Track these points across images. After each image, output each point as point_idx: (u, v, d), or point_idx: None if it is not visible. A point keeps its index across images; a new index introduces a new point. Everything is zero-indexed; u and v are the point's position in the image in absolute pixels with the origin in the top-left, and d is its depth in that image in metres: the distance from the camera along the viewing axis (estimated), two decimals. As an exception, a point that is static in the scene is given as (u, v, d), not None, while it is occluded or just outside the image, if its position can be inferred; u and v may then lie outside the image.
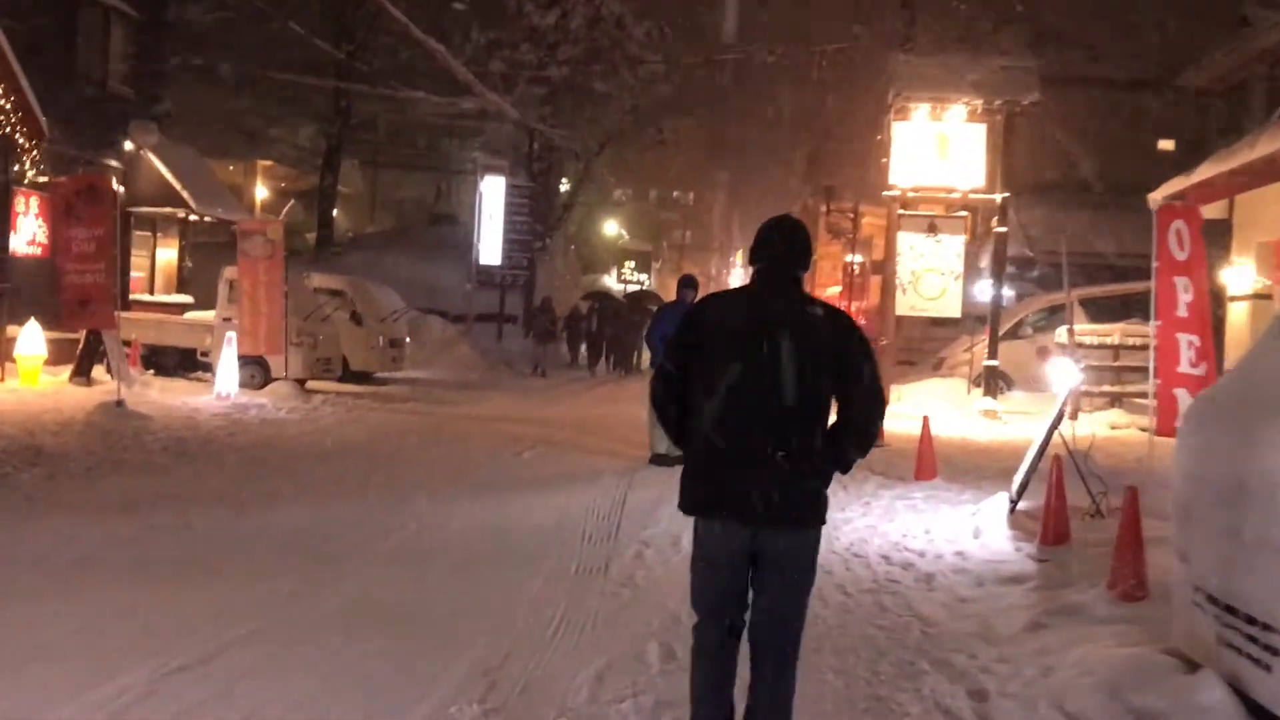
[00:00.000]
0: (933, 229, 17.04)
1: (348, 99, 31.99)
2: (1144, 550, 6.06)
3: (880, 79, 23.09)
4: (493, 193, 26.28)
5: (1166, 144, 29.25)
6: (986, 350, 18.25)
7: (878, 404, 3.63)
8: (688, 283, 11.25)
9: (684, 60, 30.33)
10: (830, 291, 53.68)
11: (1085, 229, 26.15)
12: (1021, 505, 8.41)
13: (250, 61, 30.38)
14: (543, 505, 8.47)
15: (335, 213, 46.57)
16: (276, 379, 15.69)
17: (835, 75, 28.55)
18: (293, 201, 41.22)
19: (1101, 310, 19.48)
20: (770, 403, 3.43)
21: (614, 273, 48.72)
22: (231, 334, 14.72)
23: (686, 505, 3.63)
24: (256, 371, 16.07)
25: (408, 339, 20.14)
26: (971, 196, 17.06)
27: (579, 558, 6.84)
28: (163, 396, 14.13)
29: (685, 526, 7.94)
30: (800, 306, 3.53)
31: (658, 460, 10.95)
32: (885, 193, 17.25)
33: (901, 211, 17.15)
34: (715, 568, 3.56)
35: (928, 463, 10.64)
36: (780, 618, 3.57)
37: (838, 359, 3.50)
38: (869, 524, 8.52)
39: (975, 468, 11.75)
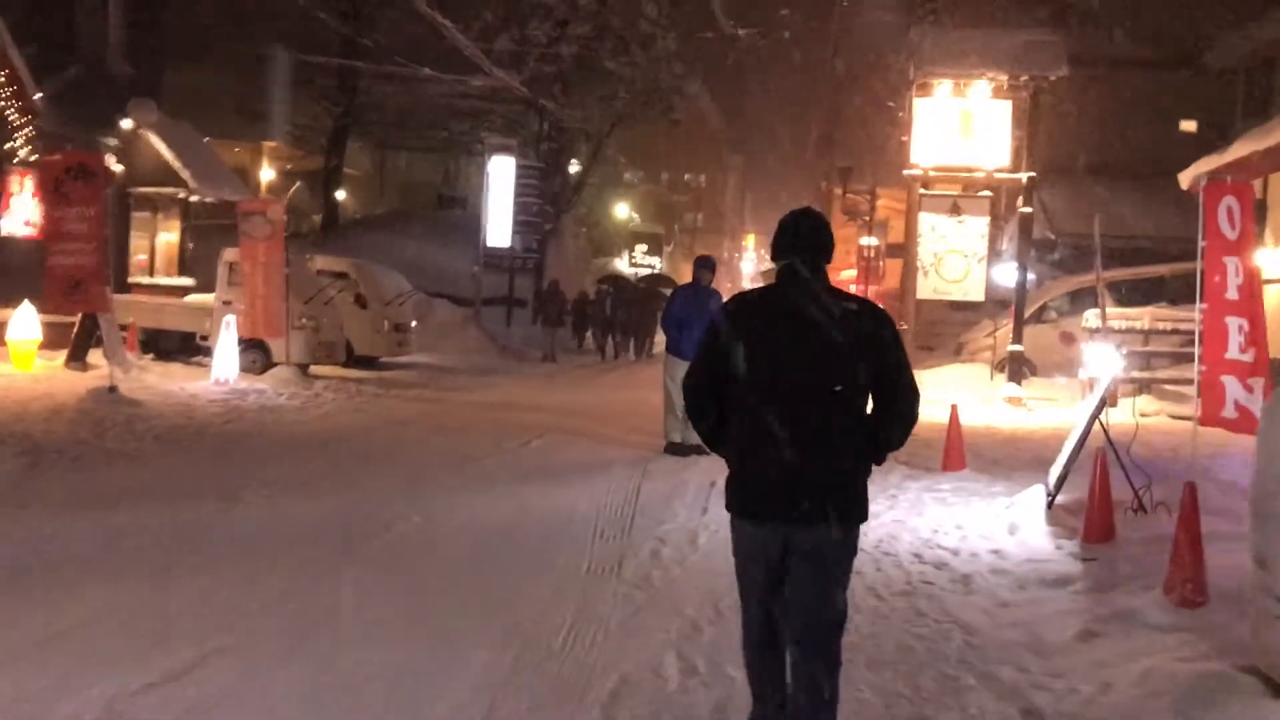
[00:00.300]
0: (955, 210, 16.52)
1: (353, 78, 31.50)
2: (1202, 551, 5.57)
3: (899, 55, 22.53)
4: (501, 173, 25.74)
5: (1188, 125, 28.65)
6: (1010, 335, 17.75)
7: (913, 397, 3.54)
8: (704, 264, 10.75)
9: (696, 37, 29.69)
10: (844, 275, 53.20)
11: (1106, 210, 25.55)
12: (1059, 499, 7.91)
13: (253, 39, 29.89)
14: (552, 498, 8.00)
15: (343, 195, 46.22)
16: (278, 364, 15.24)
17: (851, 53, 27.97)
18: (298, 183, 40.59)
19: (1127, 294, 18.94)
20: (809, 401, 3.40)
21: (625, 256, 48.18)
22: (230, 318, 14.28)
23: (728, 503, 3.59)
24: (257, 356, 15.62)
25: (414, 323, 19.66)
26: (996, 176, 16.51)
27: (590, 556, 6.38)
28: (160, 382, 13.70)
29: (702, 523, 7.60)
30: (832, 302, 3.48)
31: (672, 449, 10.48)
32: (906, 172, 16.74)
33: (923, 191, 16.63)
34: (754, 568, 3.55)
35: (956, 453, 10.14)
36: (819, 614, 3.49)
37: (872, 354, 3.45)
38: (896, 518, 8.04)
39: (1004, 458, 11.25)
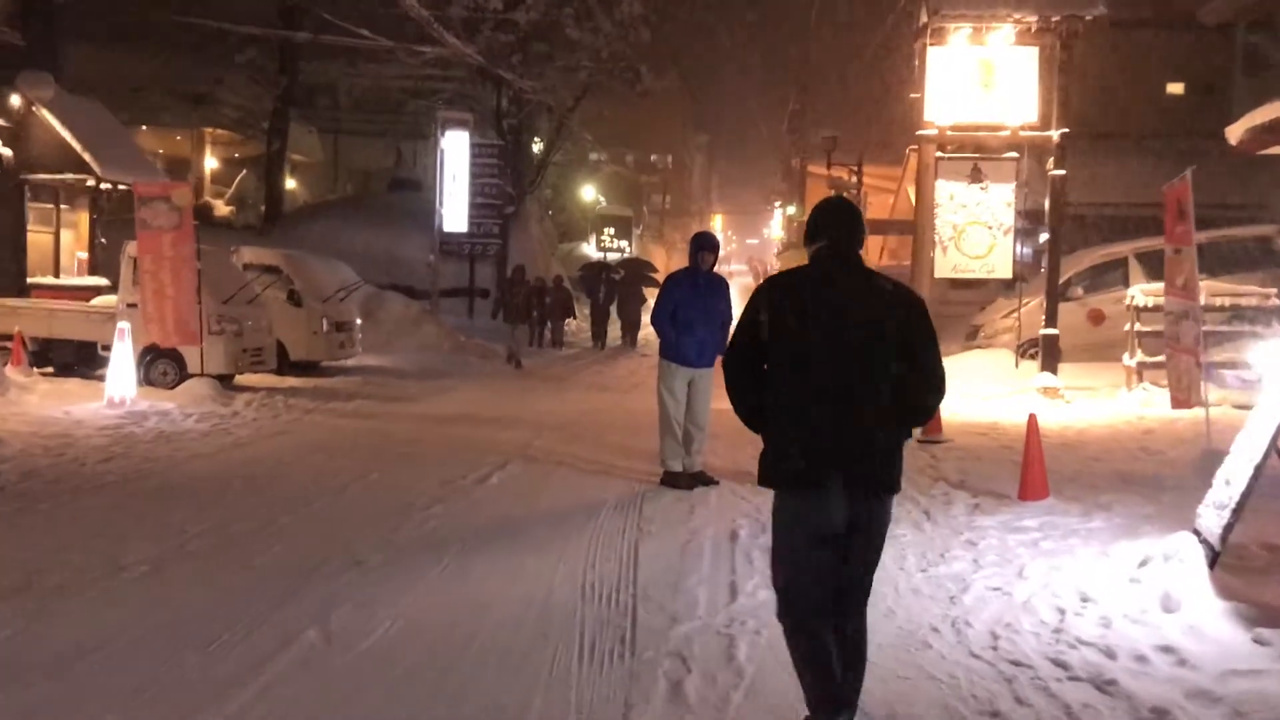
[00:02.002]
0: (977, 175, 14.34)
1: (293, 55, 28.91)
2: None
3: (891, 10, 20.32)
4: (455, 150, 23.30)
5: (1175, 87, 26.82)
6: (1036, 316, 15.65)
7: (942, 371, 3.65)
8: (705, 243, 8.49)
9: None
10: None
11: (1114, 176, 23.56)
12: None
13: (186, 14, 27.20)
14: (519, 577, 5.72)
15: (293, 184, 43.57)
16: (194, 375, 12.86)
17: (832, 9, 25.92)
18: (244, 171, 38.08)
19: (1160, 267, 16.88)
20: (855, 374, 3.50)
21: (593, 240, 45.78)
22: (125, 324, 11.86)
23: (777, 480, 3.60)
24: (169, 367, 13.23)
25: (359, 320, 17.29)
26: (1022, 134, 14.31)
27: (574, 700, 4.11)
28: (40, 405, 11.30)
29: (736, 618, 4.85)
30: (870, 281, 3.64)
31: (671, 480, 8.25)
32: (919, 132, 14.51)
33: (940, 155, 14.42)
34: (811, 542, 3.54)
35: (1037, 477, 7.94)
36: (862, 582, 3.66)
37: (903, 331, 3.56)
38: (991, 584, 5.84)
39: (1076, 473, 9.11)
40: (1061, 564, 6.22)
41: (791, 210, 53.48)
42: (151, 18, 26.16)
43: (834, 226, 3.70)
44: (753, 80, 55.62)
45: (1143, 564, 5.96)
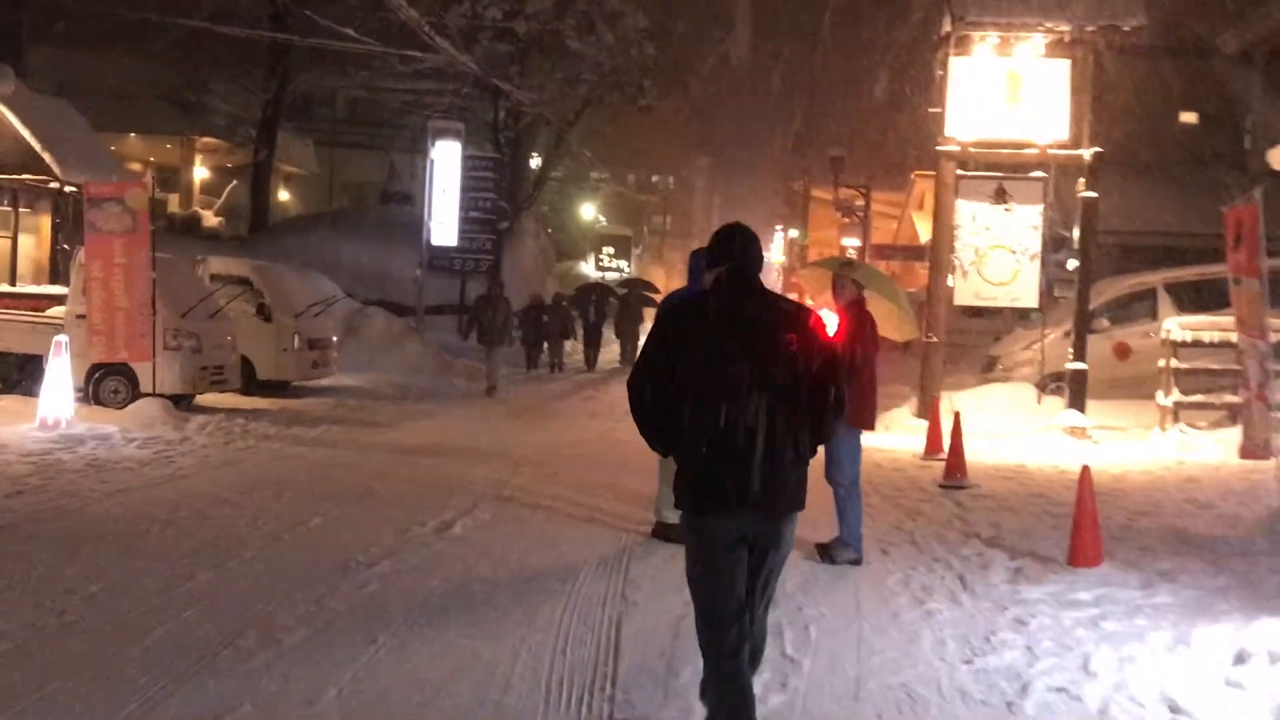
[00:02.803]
0: (1001, 195, 13.30)
1: (284, 61, 27.95)
2: None
3: (904, 24, 19.40)
4: (446, 161, 22.24)
5: (1188, 116, 25.95)
6: (1060, 348, 14.62)
7: (844, 391, 3.73)
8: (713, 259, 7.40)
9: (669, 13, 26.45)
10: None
11: (1131, 204, 22.56)
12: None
13: (174, 17, 26.22)
14: (464, 665, 4.58)
15: (287, 195, 42.62)
16: (147, 394, 11.76)
17: (839, 27, 24.97)
18: (235, 182, 37.01)
19: (1191, 298, 15.84)
20: (761, 397, 3.53)
21: (591, 259, 44.78)
22: (62, 338, 10.76)
23: (687, 503, 3.64)
24: (121, 385, 12.15)
25: (335, 338, 16.19)
26: (1051, 152, 13.28)
27: None
28: (-33, 425, 10.21)
29: None
30: (772, 302, 3.73)
31: (664, 534, 7.13)
32: (940, 148, 13.47)
33: (961, 173, 13.38)
34: (721, 561, 3.60)
35: (1089, 540, 6.83)
36: (768, 598, 3.80)
37: (806, 351, 3.62)
38: (1053, 681, 4.76)
39: (1123, 529, 8.03)
40: (1133, 654, 5.12)
41: (794, 234, 52.50)
42: (136, 18, 25.12)
43: (734, 251, 3.78)
44: (757, 102, 54.80)
45: (1240, 661, 4.86)
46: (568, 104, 27.69)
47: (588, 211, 44.90)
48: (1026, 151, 13.30)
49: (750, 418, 3.52)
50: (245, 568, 5.96)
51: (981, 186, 13.30)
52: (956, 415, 10.43)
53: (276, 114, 28.75)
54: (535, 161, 32.37)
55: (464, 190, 23.48)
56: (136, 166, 39.80)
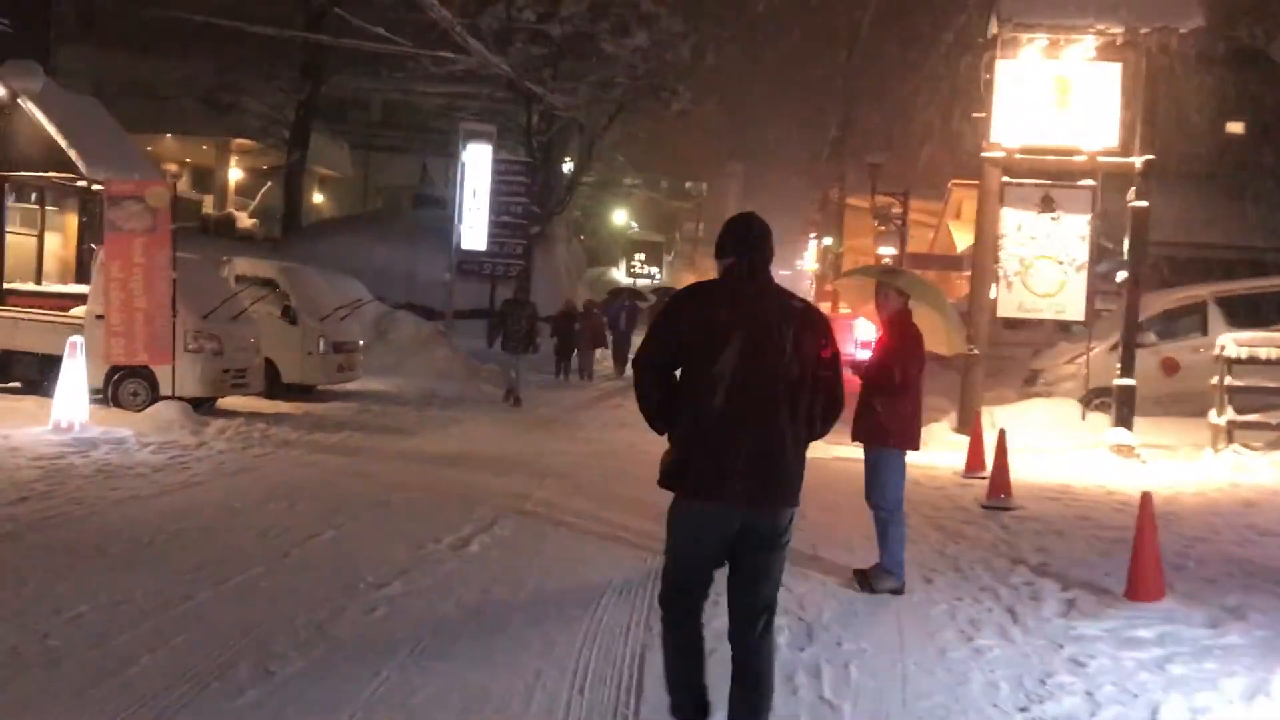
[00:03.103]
0: (1048, 204, 12.81)
1: (318, 61, 27.84)
2: None
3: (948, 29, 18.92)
4: (477, 164, 21.98)
5: (1236, 125, 25.28)
6: (1105, 362, 14.11)
7: (842, 391, 3.74)
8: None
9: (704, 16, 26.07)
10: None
11: (1184, 215, 21.94)
12: None
13: (211, 19, 26.15)
14: (472, 704, 4.16)
15: (321, 198, 42.64)
16: (167, 397, 11.52)
17: (880, 29, 24.51)
18: (269, 183, 37.05)
19: (1243, 312, 15.27)
20: (763, 389, 3.54)
21: (623, 265, 44.44)
22: (77, 338, 10.52)
23: (678, 485, 3.61)
24: (140, 388, 11.92)
25: (361, 341, 15.92)
26: (1101, 159, 12.77)
27: None
28: (-20, 426, 9.97)
29: None
30: (781, 299, 3.69)
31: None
32: (985, 154, 13.00)
33: (1007, 180, 12.90)
34: (703, 548, 3.62)
35: (1150, 573, 6.36)
36: (759, 599, 3.67)
37: (811, 348, 3.62)
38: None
39: (1181, 556, 7.56)
40: (1208, 704, 4.68)
41: (829, 241, 51.95)
42: (172, 19, 25.06)
43: (746, 242, 3.74)
44: (792, 108, 54.34)
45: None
46: (601, 108, 27.39)
47: (620, 217, 44.57)
48: (1074, 159, 12.80)
49: (748, 409, 3.53)
50: (247, 587, 5.62)
51: (1028, 194, 12.82)
52: (1001, 433, 9.97)
53: (310, 115, 28.68)
54: (568, 166, 32.07)
55: (495, 194, 23.22)
56: (173, 167, 40.06)
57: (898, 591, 6.36)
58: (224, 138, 36.47)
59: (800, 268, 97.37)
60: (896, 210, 29.27)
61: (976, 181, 34.34)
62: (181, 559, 6.12)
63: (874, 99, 34.50)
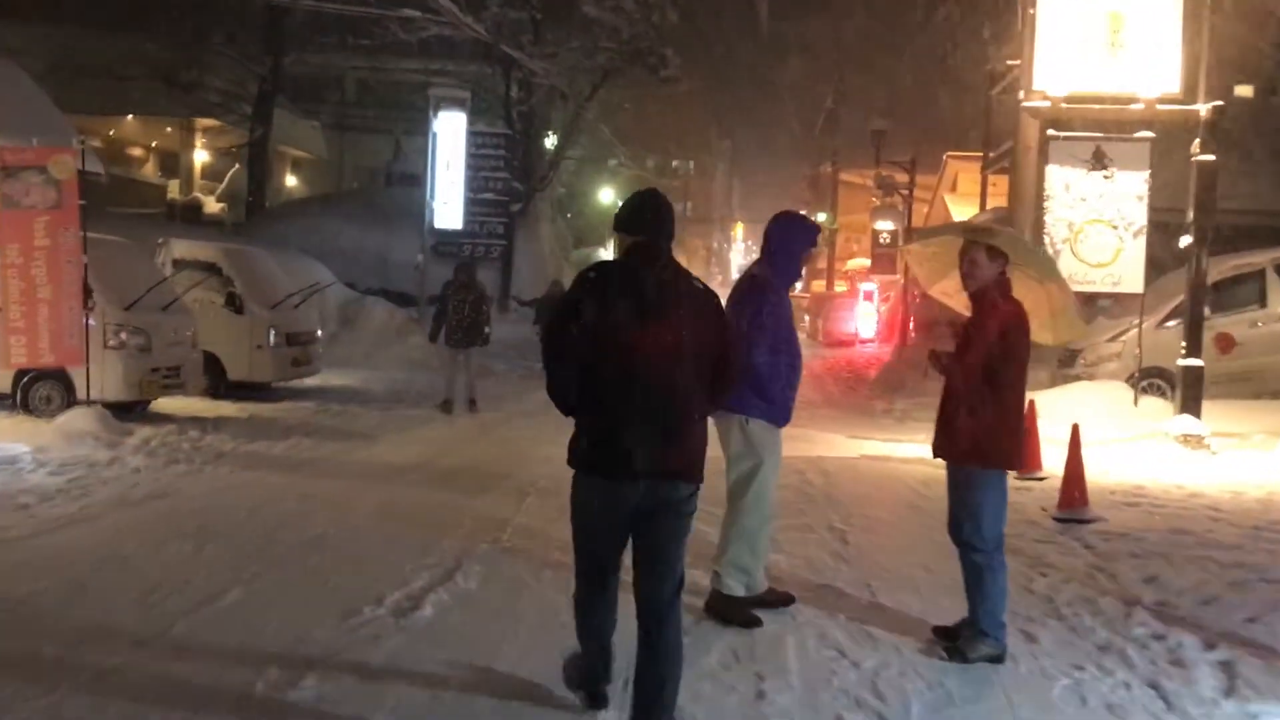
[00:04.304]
0: (1100, 160, 11.15)
1: (279, 34, 25.98)
2: None
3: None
4: (450, 133, 20.17)
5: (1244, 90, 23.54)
6: (1155, 339, 12.53)
7: (740, 365, 4.07)
8: (797, 229, 5.31)
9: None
10: (853, 264, 47.81)
11: (1239, 178, 20.16)
12: None
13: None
14: None
15: (294, 180, 40.79)
16: (85, 403, 9.82)
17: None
18: (237, 165, 35.23)
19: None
20: (664, 366, 3.59)
21: (610, 245, 42.71)
22: (-41, 337, 8.81)
23: (580, 463, 3.68)
24: (54, 391, 10.23)
25: (319, 332, 14.20)
26: (1160, 107, 11.11)
27: None
28: None
29: None
30: (681, 278, 3.75)
31: (721, 611, 5.12)
32: (1026, 104, 11.33)
33: (1053, 133, 11.23)
34: (606, 523, 3.67)
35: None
36: (664, 575, 3.68)
37: (710, 328, 3.73)
38: None
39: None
40: None
41: (822, 217, 50.28)
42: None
43: (649, 221, 3.76)
44: (784, 79, 52.62)
45: None
46: (585, 76, 25.58)
47: (606, 196, 42.73)
48: (1131, 107, 11.13)
49: (648, 387, 3.56)
50: (75, 702, 3.90)
51: (1077, 149, 11.17)
52: (1075, 429, 8.35)
53: (273, 89, 26.79)
54: (550, 141, 30.27)
55: (472, 169, 21.47)
56: (137, 151, 38.18)
57: (998, 659, 4.73)
58: (188, 118, 34.64)
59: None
60: (902, 179, 27.55)
61: (974, 153, 32.66)
62: (12, 644, 4.42)
63: (876, 65, 32.80)
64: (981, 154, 33.36)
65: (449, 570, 5.68)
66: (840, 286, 44.87)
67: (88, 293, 9.77)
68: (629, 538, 3.68)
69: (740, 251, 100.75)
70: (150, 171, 39.04)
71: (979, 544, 4.74)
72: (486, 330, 12.89)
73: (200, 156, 37.29)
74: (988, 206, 24.50)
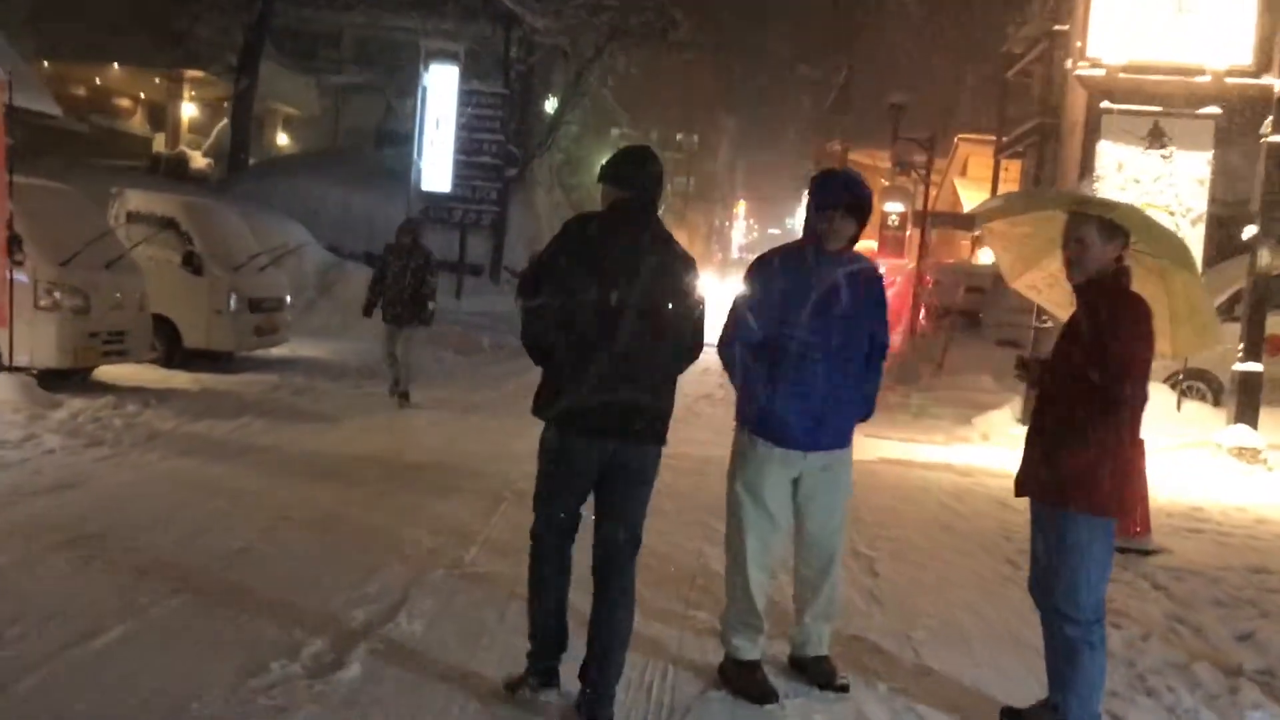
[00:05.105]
0: (1157, 137, 10.00)
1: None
2: None
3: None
4: (441, 89, 18.91)
5: None
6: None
7: (704, 332, 3.78)
8: (845, 192, 4.06)
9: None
10: (860, 247, 46.61)
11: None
12: None
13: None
14: None
15: (285, 139, 39.48)
16: (10, 369, 8.69)
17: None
18: (225, 120, 33.98)
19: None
20: (631, 326, 3.54)
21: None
22: None
23: (548, 414, 3.64)
24: (-24, 356, 9.04)
25: (289, 298, 13.04)
26: (1229, 80, 9.94)
27: None
28: None
29: None
30: (664, 240, 3.68)
31: (738, 680, 3.99)
32: (1078, 73, 10.15)
33: (1107, 106, 10.06)
34: (570, 478, 3.65)
35: None
36: (618, 535, 3.67)
37: (686, 293, 3.66)
38: None
39: None
40: None
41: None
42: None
43: (639, 178, 3.68)
44: (794, 54, 51.32)
45: None
46: (589, 36, 24.28)
47: (607, 165, 41.43)
48: (1195, 80, 9.95)
49: (620, 345, 3.53)
50: None
51: (1132, 125, 10.00)
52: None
53: (260, 39, 25.48)
54: (551, 105, 29.00)
55: (466, 129, 20.24)
56: (125, 102, 36.93)
57: (1091, 761, 3.63)
58: (175, 69, 33.37)
59: (791, 226, 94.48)
60: (919, 157, 26.36)
61: (987, 136, 31.38)
62: None
63: (889, 39, 31.56)
64: (995, 137, 32.21)
65: (392, 605, 4.56)
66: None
67: (15, 244, 8.62)
68: (585, 498, 3.68)
69: (742, 230, 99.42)
70: (138, 124, 37.79)
71: (1075, 613, 3.62)
72: (431, 306, 10.58)
73: (188, 110, 36.04)
74: (999, 192, 23.38)
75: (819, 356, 3.93)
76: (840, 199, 3.95)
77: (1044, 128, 31.09)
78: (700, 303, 3.73)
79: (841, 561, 4.21)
